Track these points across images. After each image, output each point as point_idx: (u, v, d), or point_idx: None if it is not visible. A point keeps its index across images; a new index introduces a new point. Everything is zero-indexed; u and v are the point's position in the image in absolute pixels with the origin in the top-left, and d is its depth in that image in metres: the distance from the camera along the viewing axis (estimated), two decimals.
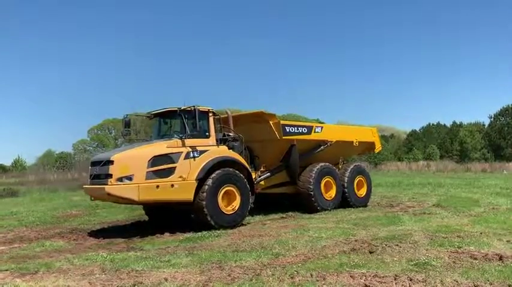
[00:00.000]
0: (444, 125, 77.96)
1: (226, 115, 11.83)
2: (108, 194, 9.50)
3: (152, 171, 9.76)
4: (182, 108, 10.58)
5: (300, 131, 12.94)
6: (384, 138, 65.00)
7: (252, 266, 6.49)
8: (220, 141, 11.18)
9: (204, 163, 10.30)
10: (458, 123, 71.53)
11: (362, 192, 14.42)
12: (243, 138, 11.76)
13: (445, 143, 64.90)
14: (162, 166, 9.88)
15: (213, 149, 10.73)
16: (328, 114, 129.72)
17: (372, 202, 15.37)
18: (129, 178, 9.58)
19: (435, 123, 79.44)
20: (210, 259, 7.13)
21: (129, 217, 13.71)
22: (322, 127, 13.80)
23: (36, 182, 35.35)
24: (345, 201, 13.71)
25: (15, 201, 22.60)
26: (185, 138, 10.33)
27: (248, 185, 11.00)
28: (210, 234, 9.67)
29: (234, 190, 10.71)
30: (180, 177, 10.01)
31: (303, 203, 13.11)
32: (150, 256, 7.57)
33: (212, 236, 9.41)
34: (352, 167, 14.30)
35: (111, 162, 9.62)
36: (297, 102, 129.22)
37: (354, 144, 14.64)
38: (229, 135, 11.56)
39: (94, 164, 10.39)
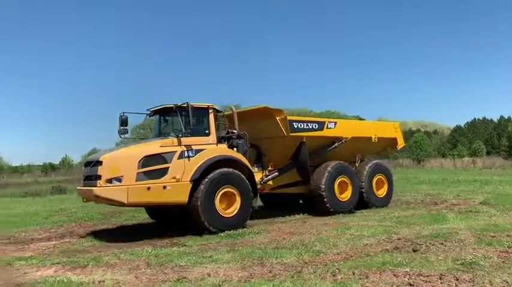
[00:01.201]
0: (491, 120, 74.98)
1: (230, 112, 11.44)
2: (96, 196, 9.08)
3: (143, 172, 9.26)
4: (178, 104, 9.96)
5: (310, 127, 12.05)
6: (426, 134, 63.24)
7: (293, 263, 6.51)
8: (224, 139, 10.80)
9: (200, 163, 9.73)
10: (506, 117, 68.58)
11: (382, 192, 13.50)
12: (248, 135, 11.16)
13: (492, 139, 62.44)
14: (153, 167, 9.37)
15: (210, 148, 10.15)
16: (368, 110, 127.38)
17: (415, 199, 15.02)
18: (119, 179, 9.09)
19: (481, 119, 76.52)
20: (251, 255, 7.20)
21: None
22: (335, 123, 12.87)
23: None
24: (362, 202, 12.84)
25: (64, 198, 23.61)
26: (182, 137, 9.82)
27: (250, 186, 10.36)
28: (250, 231, 9.75)
29: (233, 191, 10.06)
30: (174, 178, 9.44)
31: (314, 204, 12.35)
32: (192, 252, 7.74)
33: (252, 233, 9.49)
34: (370, 164, 13.38)
35: (100, 163, 9.22)
36: (336, 100, 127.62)
37: (373, 140, 13.63)
38: (234, 132, 11.04)
39: (86, 164, 10.06)
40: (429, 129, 77.09)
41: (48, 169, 51.29)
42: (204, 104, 10.40)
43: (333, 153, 12.71)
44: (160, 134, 10.78)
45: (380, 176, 13.51)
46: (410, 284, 5.24)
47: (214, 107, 10.61)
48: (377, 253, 6.92)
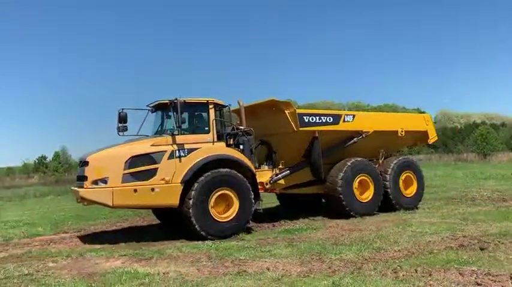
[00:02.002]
0: None
1: (238, 107, 10.65)
2: (82, 198, 8.69)
3: (130, 173, 8.77)
4: (173, 100, 9.33)
5: (324, 121, 10.97)
6: (493, 127, 59.78)
7: (352, 260, 6.45)
8: (230, 136, 10.16)
9: (192, 163, 9.06)
10: None
11: (411, 191, 12.21)
12: (259, 132, 10.68)
13: None
14: (141, 168, 8.84)
15: (205, 147, 9.37)
16: (429, 103, 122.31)
17: (481, 196, 14.29)
18: (104, 181, 8.67)
19: None
20: (310, 250, 7.20)
21: None
22: (354, 115, 11.69)
23: None
24: (388, 202, 11.68)
25: None
26: (178, 135, 9.21)
27: (250, 188, 9.51)
28: (308, 227, 9.74)
29: (230, 194, 9.26)
30: (163, 180, 8.86)
31: (331, 206, 11.49)
32: (251, 246, 7.86)
33: (310, 229, 9.48)
34: (396, 161, 12.09)
35: (87, 163, 8.83)
36: (395, 93, 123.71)
37: (399, 134, 12.29)
38: (239, 129, 10.33)
39: (78, 164, 9.68)
40: (496, 121, 72.77)
41: None
42: (203, 99, 9.73)
43: (353, 149, 11.62)
44: (157, 131, 10.05)
45: (408, 174, 12.21)
46: (477, 284, 5.03)
47: (216, 101, 9.85)
48: (441, 251, 6.70)
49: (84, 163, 8.91)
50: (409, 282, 5.19)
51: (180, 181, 8.93)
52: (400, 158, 12.49)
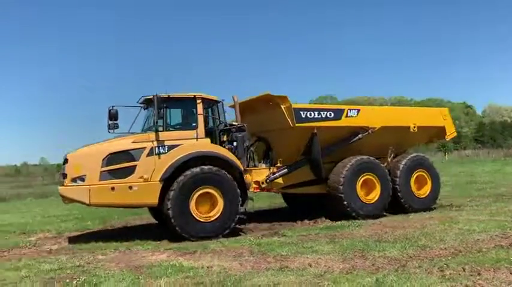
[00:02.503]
0: None
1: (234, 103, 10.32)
2: (61, 195, 8.73)
3: (107, 171, 8.66)
4: (158, 95, 9.05)
5: (324, 116, 10.37)
6: None
7: (396, 257, 6.34)
8: (223, 132, 9.97)
9: (172, 161, 8.79)
10: None
11: (424, 191, 11.44)
12: (257, 128, 10.54)
13: None
14: (119, 165, 8.72)
15: (187, 144, 9.05)
16: (477, 97, 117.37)
17: None
18: (82, 179, 8.60)
19: None
20: (352, 247, 7.13)
21: (271, 204, 14.43)
22: (358, 110, 10.96)
23: None
24: (398, 204, 11.01)
25: None
26: (162, 131, 9.04)
27: (237, 187, 9.14)
28: (350, 223, 9.64)
29: (214, 192, 8.92)
30: (141, 177, 8.68)
31: (332, 206, 10.80)
32: (293, 242, 7.87)
33: (352, 226, 9.37)
34: (407, 159, 11.31)
35: (67, 160, 8.78)
36: (441, 87, 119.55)
37: (412, 130, 11.51)
38: (233, 125, 10.01)
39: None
40: None
41: None
42: (190, 94, 9.46)
43: (359, 146, 10.93)
44: (143, 128, 9.87)
45: (421, 173, 11.41)
46: None
47: (204, 96, 9.57)
48: (490, 249, 6.46)
49: (65, 161, 8.86)
50: (456, 281, 5.05)
51: (159, 179, 8.71)
52: (411, 155, 11.58)
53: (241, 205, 9.23)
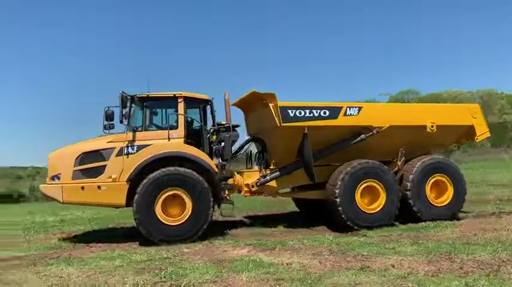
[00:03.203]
0: None
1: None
2: (43, 193, 9.30)
3: (80, 170, 8.80)
4: (123, 94, 9.00)
5: (316, 114, 9.46)
6: None
7: (487, 261, 5.97)
8: (213, 132, 9.69)
9: (140, 161, 8.68)
10: None
11: (444, 199, 10.10)
12: (253, 128, 10.35)
13: None
14: (90, 165, 8.81)
15: (158, 143, 8.89)
16: None
17: None
18: (58, 177, 8.84)
19: None
20: (438, 249, 6.83)
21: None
22: (360, 108, 9.88)
23: None
24: (411, 213, 9.83)
25: None
26: (140, 131, 9.04)
27: (208, 189, 8.79)
28: (436, 225, 9.22)
29: (182, 194, 8.66)
30: (110, 177, 8.68)
31: (329, 215, 9.85)
32: (374, 242, 7.71)
33: (437, 227, 8.97)
34: (422, 162, 10.04)
35: (48, 159, 9.14)
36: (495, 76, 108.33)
37: (429, 130, 10.13)
38: (221, 124, 9.72)
39: None
40: None
41: None
42: (170, 93, 9.33)
43: (365, 148, 9.92)
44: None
45: (439, 177, 10.05)
46: None
47: (186, 95, 9.38)
48: None
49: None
50: None
51: (126, 180, 8.66)
52: (427, 158, 10.21)
53: (216, 208, 9.25)
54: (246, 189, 9.84)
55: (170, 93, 9.34)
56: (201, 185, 8.75)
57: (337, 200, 9.26)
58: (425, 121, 10.17)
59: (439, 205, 9.97)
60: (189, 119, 9.70)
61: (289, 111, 9.35)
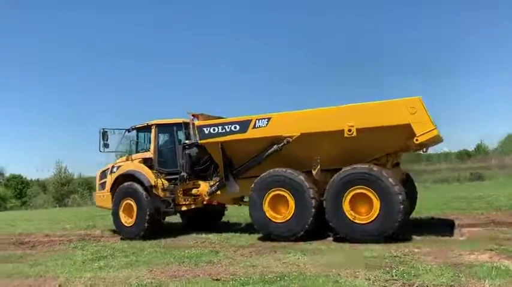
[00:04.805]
0: None
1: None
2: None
3: (100, 183, 12.65)
4: (101, 129, 11.83)
5: (227, 130, 10.02)
6: None
7: None
8: (182, 149, 11.40)
9: (112, 179, 11.87)
10: None
11: (370, 216, 8.49)
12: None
13: None
14: (103, 180, 12.49)
15: (124, 165, 11.90)
16: None
17: None
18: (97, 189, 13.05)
19: None
20: None
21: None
22: (269, 119, 9.66)
23: (498, 166, 35.07)
24: (327, 226, 9.02)
25: (482, 185, 23.28)
26: (131, 154, 12.19)
27: (147, 201, 11.03)
28: None
29: (132, 203, 11.23)
30: (107, 190, 12.08)
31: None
32: None
33: None
34: (338, 173, 8.86)
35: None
36: None
37: (346, 135, 8.79)
38: (185, 143, 11.55)
39: None
40: None
41: (464, 155, 51.54)
42: (146, 123, 11.96)
43: (286, 158, 9.59)
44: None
45: (361, 190, 8.58)
46: None
47: (159, 122, 11.76)
48: None
49: None
50: None
51: (109, 191, 12.00)
52: (348, 168, 8.80)
53: (158, 215, 11.14)
54: (203, 198, 11.40)
55: (146, 123, 11.96)
56: (140, 195, 11.13)
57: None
58: (343, 125, 8.89)
59: (362, 223, 8.58)
60: (160, 142, 11.94)
61: (204, 129, 10.34)
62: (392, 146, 9.24)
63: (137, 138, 12.39)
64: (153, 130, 11.73)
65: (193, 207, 11.75)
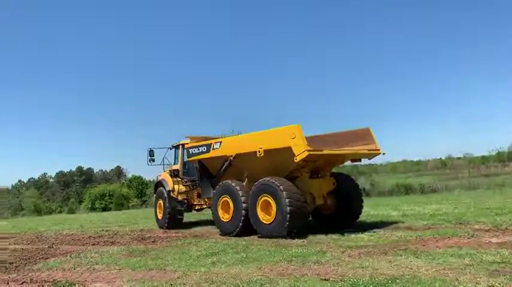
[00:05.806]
0: None
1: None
2: None
3: None
4: (149, 149, 15.96)
5: (201, 150, 12.89)
6: None
7: None
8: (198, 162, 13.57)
9: (155, 184, 16.79)
10: None
11: (270, 217, 10.58)
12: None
13: None
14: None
15: (161, 174, 16.13)
16: None
17: None
18: None
19: None
20: None
21: None
22: (221, 142, 12.36)
23: None
24: (252, 227, 11.12)
25: None
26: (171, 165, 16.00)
27: (169, 200, 15.02)
28: None
29: (161, 202, 15.52)
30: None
31: None
32: None
33: None
34: (254, 184, 11.03)
35: None
36: None
37: (258, 155, 10.89)
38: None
39: None
40: None
41: None
42: (178, 143, 15.60)
43: (234, 171, 12.14)
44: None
45: (266, 198, 10.67)
46: None
47: (183, 143, 14.84)
48: None
49: None
50: None
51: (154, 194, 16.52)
52: (261, 180, 10.85)
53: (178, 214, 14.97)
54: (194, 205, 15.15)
55: (176, 143, 15.63)
56: (166, 197, 14.94)
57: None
58: (256, 147, 10.96)
59: (267, 223, 10.64)
60: (185, 158, 14.40)
61: (190, 150, 13.33)
62: (290, 164, 10.53)
63: (174, 154, 15.92)
64: (180, 148, 15.16)
65: (204, 207, 14.86)
